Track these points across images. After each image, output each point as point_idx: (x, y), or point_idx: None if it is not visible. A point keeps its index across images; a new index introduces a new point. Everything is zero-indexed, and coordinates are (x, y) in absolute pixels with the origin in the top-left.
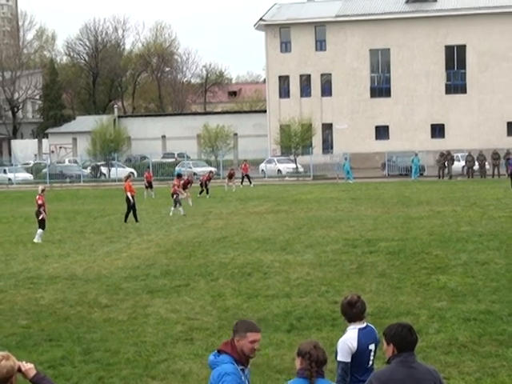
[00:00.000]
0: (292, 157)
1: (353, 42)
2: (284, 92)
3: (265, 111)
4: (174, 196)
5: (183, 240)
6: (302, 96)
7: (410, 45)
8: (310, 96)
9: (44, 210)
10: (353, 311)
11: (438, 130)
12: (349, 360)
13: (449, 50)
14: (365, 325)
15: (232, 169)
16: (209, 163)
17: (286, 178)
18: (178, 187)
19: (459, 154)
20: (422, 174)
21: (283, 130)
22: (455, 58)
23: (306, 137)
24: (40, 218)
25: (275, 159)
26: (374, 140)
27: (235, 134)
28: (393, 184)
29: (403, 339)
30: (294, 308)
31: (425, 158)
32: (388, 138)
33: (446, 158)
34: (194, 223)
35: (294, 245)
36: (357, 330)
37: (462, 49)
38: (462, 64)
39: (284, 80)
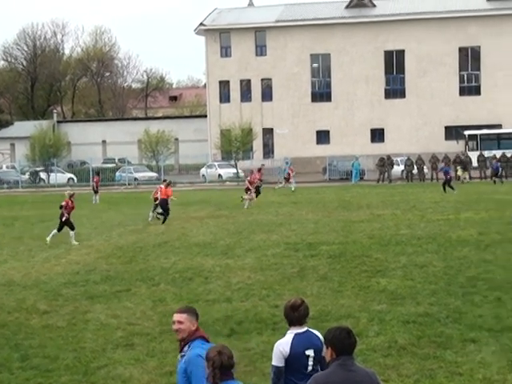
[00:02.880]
0: (232, 162)
1: (293, 47)
2: (224, 97)
3: (205, 116)
4: (157, 201)
5: (124, 245)
6: (242, 101)
7: (350, 50)
8: (251, 101)
9: (68, 213)
10: (295, 315)
11: (377, 135)
12: (281, 364)
13: (388, 54)
14: (304, 330)
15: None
16: (150, 168)
17: (227, 183)
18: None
19: (398, 158)
20: (362, 178)
21: (224, 135)
22: (394, 63)
23: (247, 141)
24: (63, 219)
25: (216, 164)
26: (315, 144)
27: (176, 139)
28: (333, 188)
29: (341, 343)
30: (234, 312)
31: (365, 162)
32: (329, 142)
33: (386, 162)
34: (135, 228)
35: (234, 249)
36: (292, 335)
37: (400, 54)
38: (401, 69)
39: (224, 85)
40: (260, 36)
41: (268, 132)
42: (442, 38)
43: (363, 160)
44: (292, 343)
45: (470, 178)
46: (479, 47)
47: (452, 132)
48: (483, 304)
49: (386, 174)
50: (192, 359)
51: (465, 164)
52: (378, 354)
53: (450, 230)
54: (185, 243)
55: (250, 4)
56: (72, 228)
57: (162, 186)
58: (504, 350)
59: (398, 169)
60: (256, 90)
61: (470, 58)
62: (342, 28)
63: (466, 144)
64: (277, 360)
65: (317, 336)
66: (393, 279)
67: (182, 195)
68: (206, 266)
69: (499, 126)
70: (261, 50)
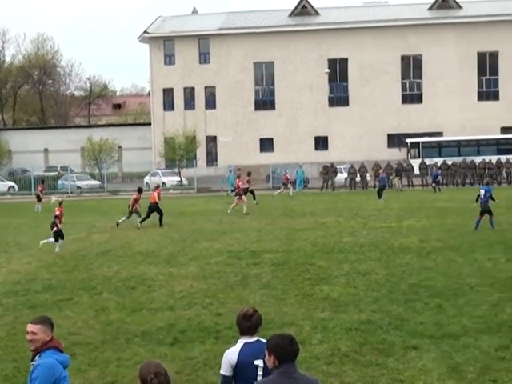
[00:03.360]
0: (176, 169)
1: (237, 55)
2: (168, 105)
3: (149, 124)
4: (134, 208)
5: (66, 254)
6: (186, 109)
7: (293, 58)
8: (194, 109)
9: (59, 222)
10: (246, 324)
11: (321, 142)
12: (228, 373)
13: (331, 63)
14: (254, 339)
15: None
16: (93, 176)
17: (171, 191)
18: (136, 201)
19: (342, 166)
20: (306, 186)
21: (167, 143)
22: (338, 71)
23: (191, 149)
24: (54, 230)
25: (160, 172)
26: (259, 152)
27: (119, 147)
28: (277, 196)
29: (284, 350)
30: (177, 321)
31: (309, 170)
32: (272, 150)
33: (329, 170)
34: (78, 237)
35: (178, 257)
36: (241, 344)
37: (344, 62)
38: (345, 77)
39: (168, 93)
40: (203, 44)
41: (212, 140)
42: (384, 47)
43: (307, 168)
44: (240, 352)
45: (412, 185)
46: (421, 56)
47: (394, 140)
48: (424, 311)
49: (330, 182)
50: (38, 368)
51: (399, 172)
52: (321, 362)
53: (393, 237)
54: (128, 252)
55: (194, 12)
56: (62, 237)
57: (134, 196)
58: (444, 356)
59: (341, 176)
60: (200, 98)
61: (411, 67)
62: (285, 36)
63: (408, 152)
64: (224, 369)
65: (263, 344)
66: (336, 287)
67: (126, 204)
68: (149, 275)
69: (440, 134)
70: (204, 58)
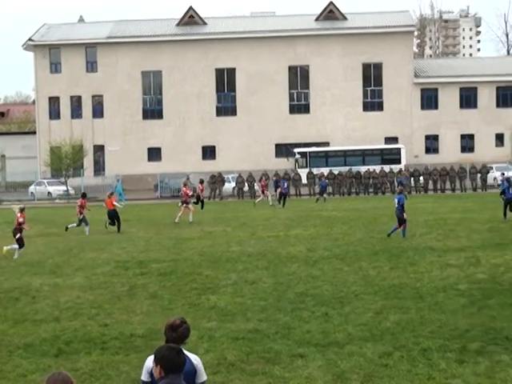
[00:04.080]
0: (63, 179)
1: (124, 64)
2: (54, 113)
3: (34, 132)
4: (81, 216)
5: None
6: (73, 117)
7: (181, 67)
8: (82, 117)
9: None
10: (172, 335)
11: (209, 152)
12: (145, 379)
13: (219, 72)
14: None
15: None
16: None
17: (57, 201)
18: (82, 207)
19: (230, 176)
20: (193, 195)
21: (54, 152)
22: (225, 81)
23: (77, 158)
24: (17, 237)
25: (45, 181)
26: (147, 162)
27: (3, 156)
28: (165, 205)
29: (170, 361)
30: (62, 332)
31: (197, 180)
32: (160, 159)
33: (217, 179)
34: None
35: (63, 268)
36: None
37: (231, 72)
38: (232, 87)
39: (54, 101)
40: (91, 52)
41: (99, 149)
42: (272, 57)
43: (195, 177)
44: None
45: (300, 194)
46: (308, 66)
47: (282, 149)
48: (311, 319)
49: (217, 191)
50: None
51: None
52: (208, 371)
53: (280, 246)
54: (12, 262)
55: (81, 20)
56: (21, 245)
57: (78, 202)
58: (330, 364)
59: (229, 186)
60: (87, 107)
61: (299, 77)
62: (172, 45)
63: (296, 161)
64: (143, 374)
65: (190, 359)
66: (223, 296)
67: (9, 214)
68: (33, 286)
69: (327, 144)
70: (91, 67)
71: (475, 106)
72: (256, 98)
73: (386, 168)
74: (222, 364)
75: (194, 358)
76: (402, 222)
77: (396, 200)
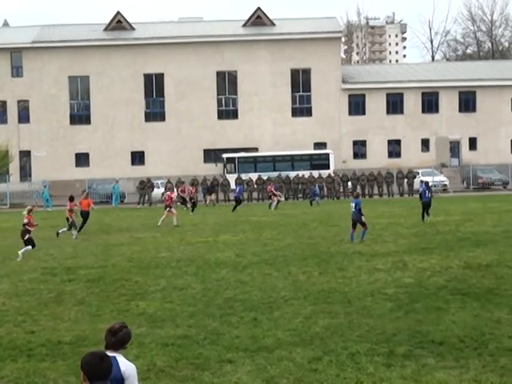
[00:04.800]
0: None
1: (51, 69)
2: None
3: None
4: (70, 220)
5: None
6: None
7: (109, 72)
8: (7, 123)
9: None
10: (111, 339)
11: (138, 157)
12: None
13: (148, 78)
14: (112, 355)
15: None
16: None
17: None
18: (71, 211)
19: (159, 181)
20: (122, 201)
21: None
22: (154, 86)
23: (3, 164)
24: (25, 237)
25: None
26: (75, 167)
27: None
28: (93, 211)
29: (93, 368)
30: None
31: (125, 185)
32: (88, 165)
33: (146, 185)
34: None
35: None
36: None
37: (160, 77)
38: (161, 92)
39: None
40: (16, 57)
41: (25, 155)
42: (199, 62)
43: (124, 183)
44: None
45: (229, 200)
46: (236, 72)
47: (211, 155)
48: (240, 325)
49: (147, 197)
50: None
51: (211, 187)
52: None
53: (209, 252)
54: None
55: (5, 24)
56: (33, 246)
57: (68, 206)
58: (259, 369)
59: (158, 191)
60: (12, 112)
61: (227, 83)
62: (100, 50)
63: (225, 167)
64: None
65: (118, 365)
66: (152, 302)
67: None
68: None
69: (256, 150)
70: (17, 71)
71: (401, 112)
72: (184, 104)
73: (315, 173)
74: (151, 370)
75: (125, 365)
76: (360, 225)
77: (353, 204)
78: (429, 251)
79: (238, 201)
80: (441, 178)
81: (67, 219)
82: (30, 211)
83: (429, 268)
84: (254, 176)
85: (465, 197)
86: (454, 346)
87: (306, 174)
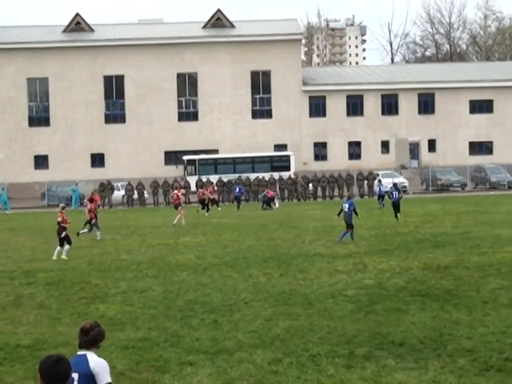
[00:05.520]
0: None
1: (8, 71)
2: None
3: None
4: (92, 221)
5: None
6: None
7: (68, 74)
8: None
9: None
10: (83, 338)
11: (98, 160)
12: None
13: (107, 80)
14: (82, 353)
15: None
16: None
17: None
18: (92, 211)
19: (119, 183)
20: (82, 204)
21: None
22: (114, 88)
23: None
24: (62, 235)
25: None
26: (34, 169)
27: None
28: (53, 214)
29: (49, 371)
30: None
31: (85, 188)
32: (47, 167)
33: (106, 187)
34: None
35: None
36: None
37: (120, 79)
38: (121, 94)
39: None
40: None
41: None
42: (160, 64)
43: (83, 185)
44: None
45: (189, 202)
46: (196, 74)
47: (171, 157)
48: (200, 327)
49: (107, 199)
50: None
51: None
52: None
53: (170, 254)
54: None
55: None
56: (69, 243)
57: (88, 207)
58: (219, 371)
59: (118, 194)
60: None
61: (187, 84)
62: (59, 52)
63: (185, 169)
64: None
65: (87, 362)
66: (112, 305)
67: None
68: None
69: (216, 152)
70: None
71: (362, 114)
72: (145, 106)
73: (276, 175)
74: (111, 373)
75: (94, 361)
76: (350, 226)
77: (347, 205)
78: (389, 253)
79: (238, 200)
80: (400, 180)
81: (89, 221)
82: (63, 209)
83: (389, 269)
84: (214, 178)
85: (424, 198)
86: (414, 347)
87: (267, 175)
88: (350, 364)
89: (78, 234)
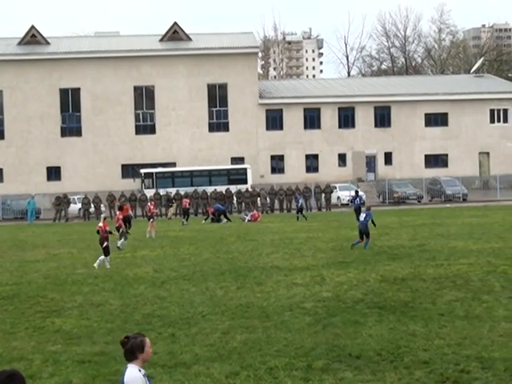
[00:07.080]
0: None
1: None
2: None
3: None
4: (120, 230)
5: None
6: None
7: (23, 87)
8: None
9: (107, 238)
10: (123, 352)
11: (54, 173)
12: None
13: (63, 92)
14: (127, 365)
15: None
16: None
17: None
18: (121, 220)
19: (75, 197)
20: (38, 217)
21: None
22: (70, 101)
23: None
24: (104, 245)
25: None
26: None
27: None
28: (8, 227)
29: None
30: None
31: (41, 201)
32: (2, 181)
33: (62, 200)
34: None
35: None
36: None
37: (76, 92)
38: (77, 107)
39: None
40: None
41: None
42: (117, 77)
43: (39, 199)
44: None
45: (147, 215)
46: (153, 86)
47: (129, 170)
48: (158, 341)
49: (63, 213)
50: None
51: (170, 201)
52: None
53: (127, 267)
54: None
55: None
56: (107, 254)
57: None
58: None
59: (75, 207)
60: None
61: (144, 97)
62: (14, 65)
63: (143, 182)
64: None
65: (124, 375)
66: (68, 319)
67: None
68: None
69: (174, 165)
70: None
71: (319, 127)
72: (101, 119)
73: (233, 188)
74: None
75: (128, 376)
76: (364, 235)
77: (363, 215)
78: (346, 265)
79: (224, 212)
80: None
81: (117, 228)
82: (104, 219)
83: (346, 282)
84: (172, 191)
85: (381, 211)
86: (371, 359)
87: (224, 188)
88: (308, 377)
89: (119, 247)
